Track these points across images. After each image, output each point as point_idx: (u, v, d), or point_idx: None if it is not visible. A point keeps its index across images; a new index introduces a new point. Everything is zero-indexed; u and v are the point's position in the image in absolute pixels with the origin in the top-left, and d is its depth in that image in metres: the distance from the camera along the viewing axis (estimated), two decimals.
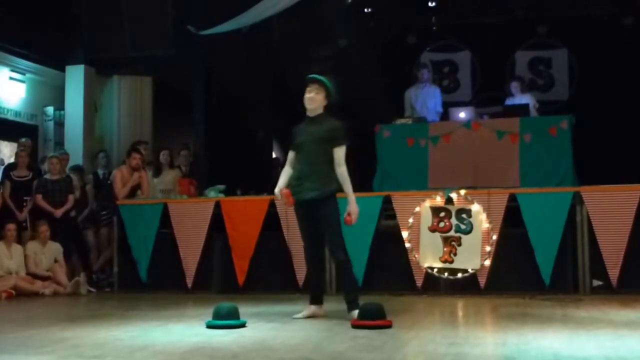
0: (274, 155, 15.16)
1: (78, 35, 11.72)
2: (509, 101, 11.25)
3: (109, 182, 10.40)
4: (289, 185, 6.34)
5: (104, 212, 10.19)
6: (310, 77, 6.27)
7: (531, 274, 8.26)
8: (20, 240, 9.65)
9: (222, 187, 9.82)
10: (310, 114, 6.32)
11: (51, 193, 9.91)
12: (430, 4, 12.98)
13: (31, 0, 11.08)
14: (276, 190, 6.39)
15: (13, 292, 9.01)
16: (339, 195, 6.28)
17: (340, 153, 6.24)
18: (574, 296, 7.95)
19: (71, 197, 10.03)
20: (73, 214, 10.18)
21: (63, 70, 12.12)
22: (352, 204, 6.23)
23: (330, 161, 6.23)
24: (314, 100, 6.24)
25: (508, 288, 8.25)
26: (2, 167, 10.18)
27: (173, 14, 11.47)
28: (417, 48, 14.23)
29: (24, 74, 11.81)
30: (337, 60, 14.33)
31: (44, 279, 9.43)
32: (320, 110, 6.32)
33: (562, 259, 8.24)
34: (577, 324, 5.89)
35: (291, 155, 6.47)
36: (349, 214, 6.24)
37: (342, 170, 6.22)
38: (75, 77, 12.03)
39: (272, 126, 14.45)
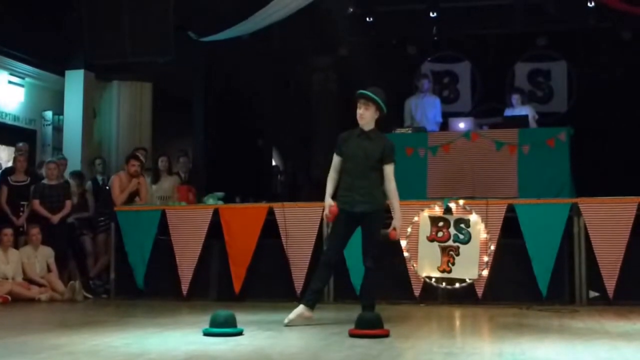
0: (273, 163, 15.19)
1: (78, 40, 11.72)
2: (508, 112, 11.28)
3: (107, 188, 10.40)
4: (334, 195, 6.58)
5: (101, 219, 10.19)
6: (359, 92, 6.50)
7: (528, 285, 8.28)
8: (17, 246, 9.64)
9: (221, 194, 9.82)
10: (363, 127, 6.54)
11: (48, 198, 9.90)
12: (431, 14, 13.01)
13: (31, 4, 11.09)
14: (328, 200, 6.55)
15: (9, 297, 9.00)
16: None
17: (391, 169, 6.54)
18: (571, 307, 7.97)
19: (68, 203, 10.03)
20: (71, 219, 10.18)
21: (62, 75, 12.12)
22: (398, 219, 6.58)
23: (379, 176, 6.52)
24: (363, 117, 6.53)
25: (505, 298, 8.27)
26: (0, 171, 10.18)
27: (174, 21, 11.49)
28: (417, 58, 14.29)
29: (23, 78, 11.83)
30: (338, 68, 14.40)
31: (40, 284, 9.42)
32: (371, 125, 6.58)
33: (559, 270, 8.26)
34: (573, 334, 5.90)
35: (336, 160, 6.64)
36: (394, 229, 6.53)
37: (392, 187, 6.54)
38: (74, 82, 12.03)
39: (272, 134, 14.48)
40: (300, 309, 6.50)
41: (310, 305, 6.55)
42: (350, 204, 6.45)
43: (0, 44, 11.18)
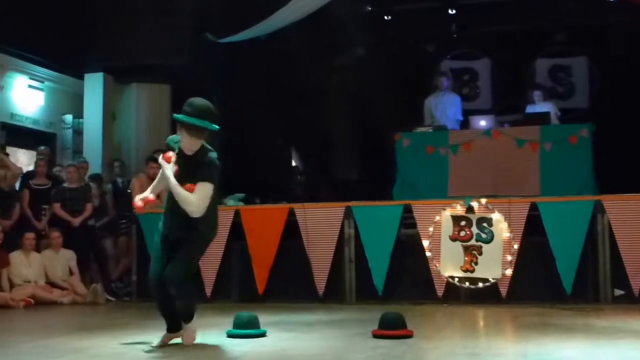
0: (292, 164, 15.19)
1: (96, 43, 11.79)
2: (530, 109, 11.22)
3: (128, 190, 10.44)
4: None
5: (122, 221, 10.25)
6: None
7: (552, 284, 8.23)
8: (39, 249, 9.71)
9: (241, 195, 9.83)
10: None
11: (69, 202, 9.96)
12: (449, 11, 12.97)
13: (49, 8, 11.16)
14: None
15: (32, 300, 9.07)
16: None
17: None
18: (595, 306, 7.91)
19: (89, 206, 10.08)
20: (92, 222, 10.23)
21: (81, 78, 12.19)
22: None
23: None
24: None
25: (529, 297, 8.22)
26: (21, 175, 10.25)
27: (191, 23, 11.53)
28: (436, 56, 14.25)
29: (42, 82, 11.90)
30: (356, 68, 14.38)
31: (62, 287, 9.49)
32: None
33: (583, 268, 8.20)
34: (598, 333, 5.86)
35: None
36: None
37: None
38: (93, 85, 12.09)
39: (290, 134, 14.48)
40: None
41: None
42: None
43: (19, 49, 11.26)
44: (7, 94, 11.25)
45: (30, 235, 9.55)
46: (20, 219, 9.80)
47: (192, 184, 5.26)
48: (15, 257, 9.36)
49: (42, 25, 11.15)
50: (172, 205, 5.43)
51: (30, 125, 11.74)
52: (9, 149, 10.82)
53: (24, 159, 11.56)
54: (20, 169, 10.30)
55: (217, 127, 5.40)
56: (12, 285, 9.20)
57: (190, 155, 5.36)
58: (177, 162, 5.37)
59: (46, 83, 11.99)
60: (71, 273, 9.68)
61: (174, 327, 5.59)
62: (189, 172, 5.31)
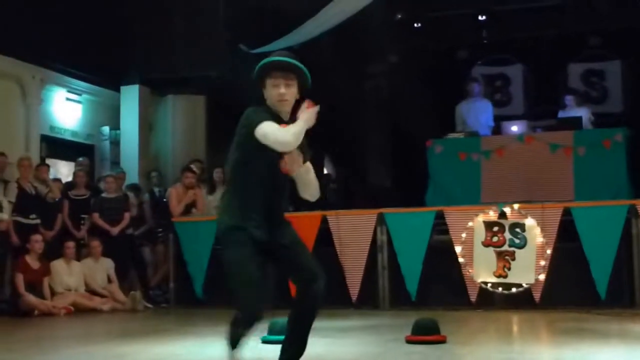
0: (325, 171, 15.22)
1: (132, 56, 11.94)
2: (563, 114, 11.14)
3: (164, 200, 10.57)
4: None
5: (160, 229, 10.37)
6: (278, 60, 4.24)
7: (586, 288, 8.17)
8: (79, 258, 9.86)
9: None
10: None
11: (108, 211, 10.10)
12: (480, 18, 12.93)
13: (86, 22, 11.33)
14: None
15: (72, 308, 9.20)
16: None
17: None
18: (631, 310, 7.84)
19: (127, 215, 10.21)
20: (130, 231, 10.36)
21: (118, 91, 12.35)
22: None
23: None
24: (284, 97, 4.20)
25: (563, 302, 8.18)
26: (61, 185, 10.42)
27: (225, 35, 11.63)
28: (467, 62, 14.20)
29: (80, 95, 12.07)
30: (388, 76, 14.38)
31: (102, 295, 9.62)
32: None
33: (617, 273, 8.14)
34: (634, 338, 5.83)
35: None
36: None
37: None
38: (130, 97, 12.24)
39: (323, 141, 14.52)
40: None
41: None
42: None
43: (58, 62, 11.43)
44: (47, 107, 11.42)
45: (70, 245, 9.70)
46: (61, 228, 9.96)
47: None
48: (57, 265, 9.52)
49: (80, 39, 11.32)
50: (271, 194, 4.15)
51: (69, 137, 11.91)
52: (49, 161, 11.01)
53: (64, 170, 11.74)
54: (60, 180, 10.47)
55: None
56: (53, 293, 9.35)
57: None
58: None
59: (84, 96, 12.14)
60: (110, 281, 9.82)
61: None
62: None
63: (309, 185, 4.28)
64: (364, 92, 14.68)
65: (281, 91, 4.05)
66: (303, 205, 10.86)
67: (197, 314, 8.73)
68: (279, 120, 4.06)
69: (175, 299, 9.69)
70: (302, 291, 4.35)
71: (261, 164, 4.03)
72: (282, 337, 5.83)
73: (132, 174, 11.60)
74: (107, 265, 9.85)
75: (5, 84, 10.69)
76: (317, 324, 7.13)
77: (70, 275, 9.59)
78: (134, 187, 11.07)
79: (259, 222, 4.07)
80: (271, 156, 3.98)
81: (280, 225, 4.22)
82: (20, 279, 9.03)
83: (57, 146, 11.68)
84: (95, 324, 8.40)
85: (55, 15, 10.80)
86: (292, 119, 4.07)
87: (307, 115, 3.98)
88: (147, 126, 12.44)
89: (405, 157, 13.10)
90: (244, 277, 4.17)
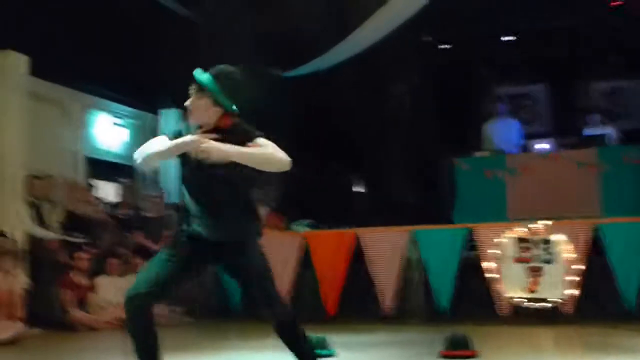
0: (356, 189, 15.16)
1: (170, 81, 11.95)
2: (587, 131, 10.96)
3: None
4: None
5: None
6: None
7: (614, 303, 7.96)
8: (123, 274, 9.81)
9: (307, 221, 9.85)
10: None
11: (150, 229, 10.08)
12: (504, 38, 12.80)
13: (127, 49, 11.35)
14: None
15: (115, 322, 9.13)
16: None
17: None
18: None
19: (167, 234, 10.16)
20: None
21: (157, 114, 12.38)
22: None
23: None
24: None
25: (592, 317, 7.94)
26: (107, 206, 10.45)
27: (257, 59, 11.61)
28: (492, 82, 14.04)
29: (122, 118, 12.14)
30: (414, 96, 14.27)
31: None
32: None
33: None
34: None
35: None
36: None
37: None
38: (168, 120, 12.26)
39: (351, 160, 14.44)
40: None
41: None
42: None
43: (100, 88, 11.50)
44: (91, 130, 11.48)
45: (114, 261, 9.67)
46: (106, 246, 9.95)
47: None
48: (101, 281, 9.49)
49: (120, 64, 11.34)
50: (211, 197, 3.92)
51: (112, 159, 11.95)
52: (94, 182, 11.05)
53: (108, 191, 11.76)
54: (102, 201, 10.51)
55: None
56: (98, 308, 9.31)
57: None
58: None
59: (126, 119, 12.20)
60: None
61: None
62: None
63: (262, 162, 3.87)
64: (391, 112, 14.57)
65: (186, 103, 4.03)
66: (336, 223, 10.83)
67: (232, 328, 8.65)
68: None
69: (212, 312, 9.61)
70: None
71: (185, 169, 3.99)
72: (317, 352, 5.74)
73: (173, 194, 11.57)
74: None
75: (51, 109, 10.76)
76: (350, 338, 7.03)
77: (114, 290, 9.53)
78: (174, 206, 11.02)
79: (194, 220, 3.91)
80: (189, 160, 3.89)
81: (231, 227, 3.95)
82: (66, 295, 9.01)
83: (101, 168, 11.73)
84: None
85: (96, 43, 10.83)
86: (223, 131, 3.89)
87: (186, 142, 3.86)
88: None
89: (432, 175, 12.97)
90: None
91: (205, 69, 4.06)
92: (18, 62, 9.12)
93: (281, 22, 11.02)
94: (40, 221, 9.09)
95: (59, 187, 9.74)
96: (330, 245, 9.05)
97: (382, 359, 5.84)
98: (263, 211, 10.65)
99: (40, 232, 9.01)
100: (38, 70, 9.41)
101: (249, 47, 11.50)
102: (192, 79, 4.03)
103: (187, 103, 4.03)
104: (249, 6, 10.94)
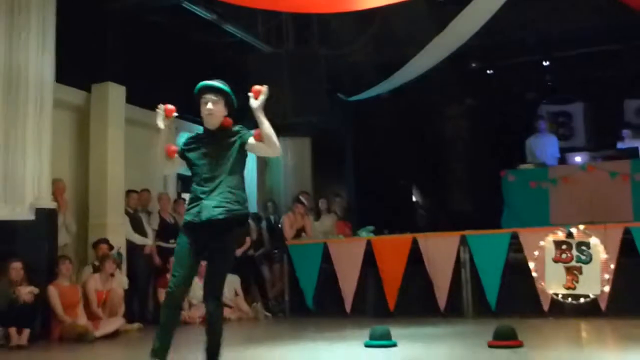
0: (414, 199, 15.27)
1: (248, 106, 12.28)
2: (621, 145, 10.94)
3: (279, 225, 10.84)
4: None
5: (275, 251, 10.61)
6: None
7: None
8: None
9: (371, 227, 10.03)
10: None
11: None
12: (544, 63, 12.83)
13: (207, 74, 11.71)
14: None
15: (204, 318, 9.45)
16: None
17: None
18: None
19: (248, 239, 10.46)
20: (251, 252, 10.64)
21: None
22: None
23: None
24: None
25: (627, 311, 7.94)
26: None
27: (326, 85, 11.90)
28: (534, 102, 14.07)
29: None
30: (467, 116, 14.39)
31: (230, 307, 9.88)
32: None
33: None
34: None
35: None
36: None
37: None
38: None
39: (412, 175, 14.59)
40: None
41: None
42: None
43: (189, 113, 11.83)
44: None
45: (202, 264, 9.97)
46: None
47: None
48: (193, 282, 9.81)
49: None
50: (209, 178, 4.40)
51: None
52: (184, 195, 11.41)
53: None
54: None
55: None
56: (190, 305, 9.66)
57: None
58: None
59: None
60: (236, 294, 10.08)
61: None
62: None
63: (270, 132, 4.39)
64: (446, 130, 14.71)
65: (208, 107, 4.38)
66: (396, 229, 11.02)
67: (308, 322, 8.83)
68: (208, 132, 4.47)
69: (289, 309, 9.87)
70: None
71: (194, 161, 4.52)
72: (381, 342, 5.96)
73: (252, 204, 11.89)
74: (233, 280, 10.11)
75: (146, 132, 11.12)
76: (410, 330, 7.21)
77: (201, 290, 9.84)
78: (253, 216, 11.35)
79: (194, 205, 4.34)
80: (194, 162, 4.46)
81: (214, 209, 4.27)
82: (162, 294, 9.34)
83: (188, 182, 12.05)
84: (224, 331, 8.61)
85: (182, 73, 11.23)
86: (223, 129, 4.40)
87: (257, 103, 4.38)
88: (263, 164, 12.77)
89: (482, 186, 13.05)
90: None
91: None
92: (117, 92, 9.43)
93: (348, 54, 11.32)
94: (139, 230, 9.46)
95: (153, 200, 10.10)
96: (391, 248, 9.23)
97: (437, 348, 5.98)
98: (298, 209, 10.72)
99: (138, 239, 9.39)
100: (132, 98, 9.69)
101: (319, 75, 11.80)
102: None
103: (209, 107, 4.40)
104: (323, 42, 11.22)
